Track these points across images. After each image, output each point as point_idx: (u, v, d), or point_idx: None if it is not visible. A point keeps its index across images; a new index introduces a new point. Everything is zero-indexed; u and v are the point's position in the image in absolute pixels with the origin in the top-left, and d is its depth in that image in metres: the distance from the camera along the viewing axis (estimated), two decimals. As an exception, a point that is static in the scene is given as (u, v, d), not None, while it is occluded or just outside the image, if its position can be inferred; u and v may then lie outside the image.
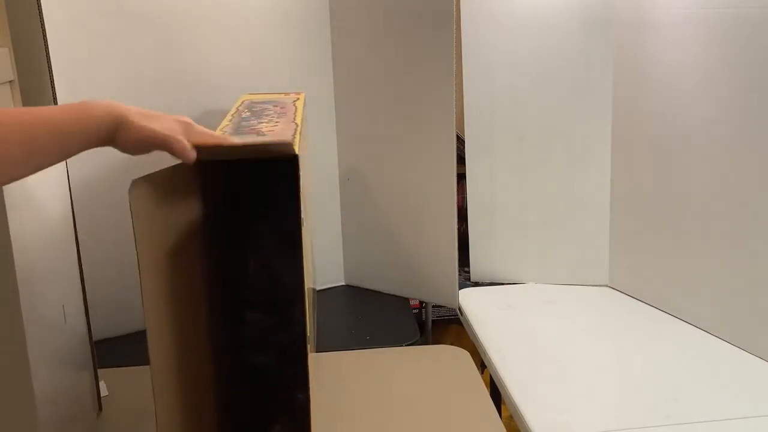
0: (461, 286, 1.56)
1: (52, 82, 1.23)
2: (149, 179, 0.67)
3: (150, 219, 0.67)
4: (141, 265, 0.65)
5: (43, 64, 1.22)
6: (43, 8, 1.20)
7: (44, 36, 1.21)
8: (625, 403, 1.14)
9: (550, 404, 1.12)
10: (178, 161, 0.70)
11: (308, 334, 0.72)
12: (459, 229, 1.49)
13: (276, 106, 1.04)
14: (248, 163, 0.74)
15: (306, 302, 0.71)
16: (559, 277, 1.62)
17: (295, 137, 0.74)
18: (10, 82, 1.32)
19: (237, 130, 0.86)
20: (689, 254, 1.38)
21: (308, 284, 0.77)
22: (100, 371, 1.08)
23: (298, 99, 1.04)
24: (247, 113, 0.98)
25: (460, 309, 1.53)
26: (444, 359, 1.24)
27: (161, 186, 0.70)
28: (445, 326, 2.38)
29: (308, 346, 0.72)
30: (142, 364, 1.17)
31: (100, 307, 1.14)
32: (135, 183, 0.64)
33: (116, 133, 0.66)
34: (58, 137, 0.64)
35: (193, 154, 0.69)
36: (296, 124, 0.81)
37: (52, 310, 0.87)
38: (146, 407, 0.92)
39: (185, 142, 0.68)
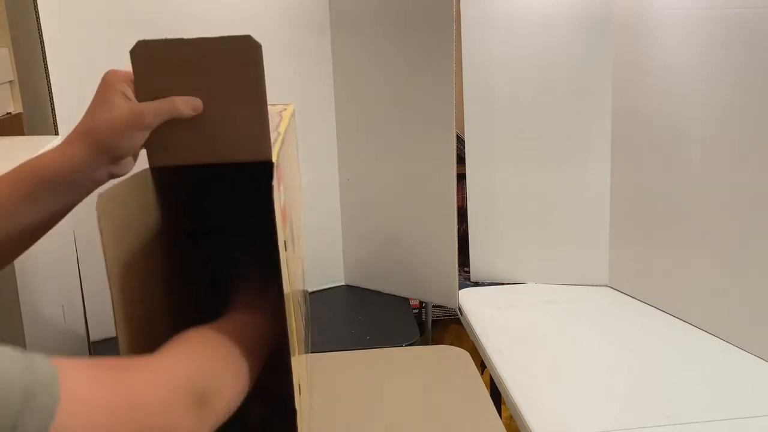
0: (461, 286, 1.56)
1: (48, 82, 1.23)
2: (116, 188, 0.63)
3: (119, 228, 0.63)
4: (110, 275, 0.61)
5: (40, 64, 1.22)
6: (39, 7, 1.20)
7: (40, 36, 1.21)
8: (624, 403, 1.14)
9: (550, 404, 1.12)
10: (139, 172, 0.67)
11: (294, 344, 0.69)
12: (459, 229, 1.49)
13: None
14: (221, 168, 0.69)
15: (291, 316, 0.67)
16: (559, 277, 1.62)
17: (275, 145, 0.71)
18: (9, 82, 1.32)
19: None
20: (689, 254, 1.38)
21: (295, 287, 0.75)
22: (99, 371, 1.08)
23: (285, 110, 1.02)
24: None
25: (460, 309, 1.52)
26: (444, 359, 1.24)
27: (129, 193, 0.66)
28: (445, 326, 2.38)
29: (294, 356, 0.67)
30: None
31: (98, 307, 1.13)
32: (101, 195, 0.60)
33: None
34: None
35: (191, 105, 0.65)
36: (278, 132, 0.79)
37: (51, 311, 0.87)
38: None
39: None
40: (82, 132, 0.64)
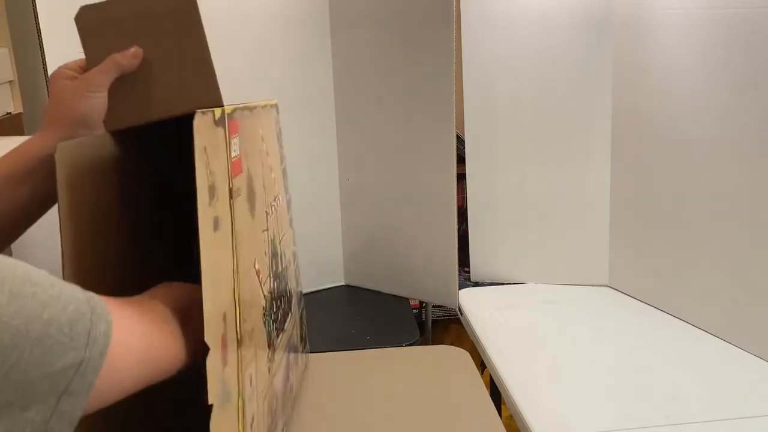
0: (461, 286, 1.56)
1: (48, 82, 1.23)
2: (77, 140, 0.64)
3: (75, 176, 0.63)
4: (62, 223, 0.62)
5: (40, 64, 1.22)
6: (38, 8, 1.20)
7: (39, 36, 1.21)
8: (624, 403, 1.14)
9: (550, 404, 1.12)
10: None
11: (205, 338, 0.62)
12: (459, 229, 1.49)
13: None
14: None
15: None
16: (559, 277, 1.62)
17: (232, 106, 0.71)
18: (9, 82, 1.32)
19: None
20: (689, 254, 1.38)
21: (248, 250, 0.73)
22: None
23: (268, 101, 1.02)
24: None
25: (460, 309, 1.52)
26: (444, 359, 1.24)
27: (90, 145, 0.67)
28: (445, 326, 2.39)
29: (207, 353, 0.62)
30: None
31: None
32: (61, 144, 0.60)
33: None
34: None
35: (131, 53, 0.69)
36: (244, 104, 0.79)
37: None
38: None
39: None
40: (48, 118, 0.69)
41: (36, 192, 0.68)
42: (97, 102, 0.68)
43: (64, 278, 0.58)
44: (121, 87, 0.69)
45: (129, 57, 0.68)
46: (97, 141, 0.69)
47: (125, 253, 0.74)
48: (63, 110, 0.68)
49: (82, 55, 0.71)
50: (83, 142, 0.65)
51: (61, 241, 0.60)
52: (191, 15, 0.69)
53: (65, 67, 0.70)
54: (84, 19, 0.68)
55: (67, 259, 0.60)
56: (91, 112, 0.68)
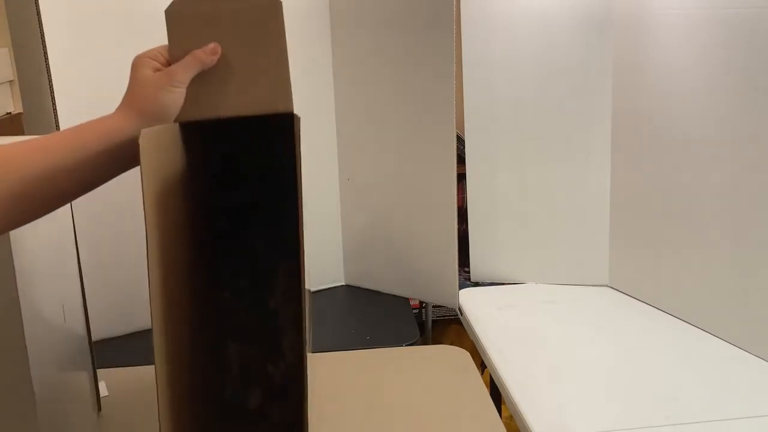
0: (461, 286, 1.56)
1: (50, 81, 1.23)
2: (158, 128, 0.67)
3: (156, 166, 0.65)
4: (146, 211, 0.63)
5: (42, 64, 1.22)
6: (41, 8, 1.20)
7: (42, 36, 1.21)
8: (624, 403, 1.14)
9: (550, 404, 1.12)
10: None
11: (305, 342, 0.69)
12: (459, 229, 1.49)
13: None
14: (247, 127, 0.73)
15: (304, 308, 0.69)
16: (559, 277, 1.62)
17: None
18: (10, 82, 1.32)
19: None
20: (689, 254, 1.38)
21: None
22: (100, 371, 1.08)
23: None
24: None
25: (460, 309, 1.53)
26: (444, 359, 1.24)
27: (170, 136, 0.69)
28: (445, 326, 2.39)
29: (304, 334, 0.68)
30: (141, 364, 1.17)
31: (99, 307, 1.13)
32: (145, 131, 0.63)
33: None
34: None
35: (210, 50, 0.70)
36: None
37: (52, 310, 0.86)
38: (146, 407, 0.92)
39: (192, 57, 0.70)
40: (127, 103, 0.68)
41: (103, 169, 0.68)
42: (177, 96, 0.69)
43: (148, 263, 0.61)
44: (196, 80, 0.71)
45: (209, 53, 0.70)
46: (172, 129, 0.71)
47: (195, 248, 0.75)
48: (144, 99, 0.68)
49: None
50: (163, 130, 0.67)
51: (147, 226, 0.62)
52: (275, 16, 0.71)
53: (147, 56, 0.70)
54: (173, 10, 0.70)
55: (152, 247, 0.62)
56: (170, 106, 0.69)
